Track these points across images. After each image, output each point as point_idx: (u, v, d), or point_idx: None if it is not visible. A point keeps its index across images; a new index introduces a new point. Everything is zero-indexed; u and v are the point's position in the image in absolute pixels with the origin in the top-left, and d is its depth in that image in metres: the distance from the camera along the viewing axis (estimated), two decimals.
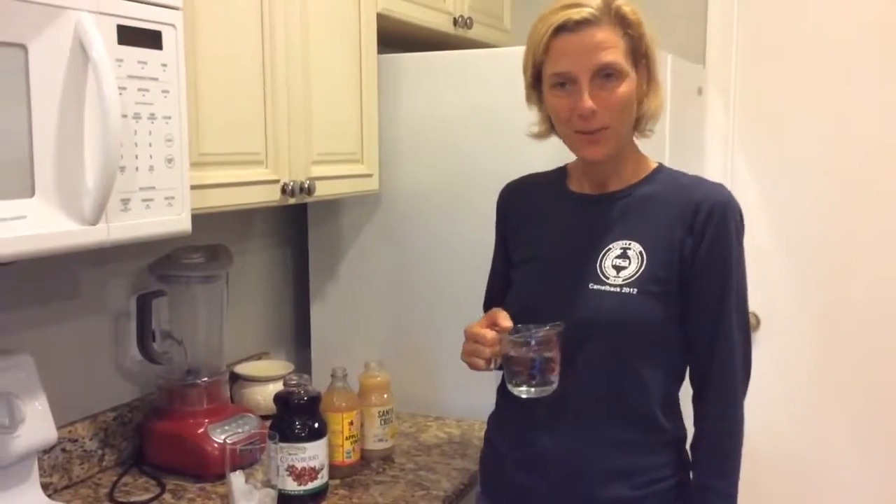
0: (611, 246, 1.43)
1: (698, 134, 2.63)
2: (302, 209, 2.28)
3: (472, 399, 1.78)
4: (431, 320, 2.13)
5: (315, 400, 1.61)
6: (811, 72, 2.61)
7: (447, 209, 2.10)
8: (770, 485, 2.71)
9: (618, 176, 1.48)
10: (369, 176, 2.05)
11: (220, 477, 1.61)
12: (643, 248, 1.42)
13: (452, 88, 2.07)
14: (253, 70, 1.62)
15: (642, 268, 1.40)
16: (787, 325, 2.68)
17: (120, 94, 1.18)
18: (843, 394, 2.66)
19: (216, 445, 1.68)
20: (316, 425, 1.59)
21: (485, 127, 2.04)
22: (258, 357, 2.21)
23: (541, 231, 1.54)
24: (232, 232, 2.11)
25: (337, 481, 1.70)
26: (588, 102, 1.36)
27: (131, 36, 1.23)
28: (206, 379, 1.77)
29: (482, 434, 1.96)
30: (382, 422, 1.82)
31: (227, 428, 1.72)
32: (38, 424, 1.50)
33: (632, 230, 1.44)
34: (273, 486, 1.47)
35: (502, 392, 1.59)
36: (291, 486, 1.57)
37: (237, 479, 1.45)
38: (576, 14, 1.35)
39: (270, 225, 2.29)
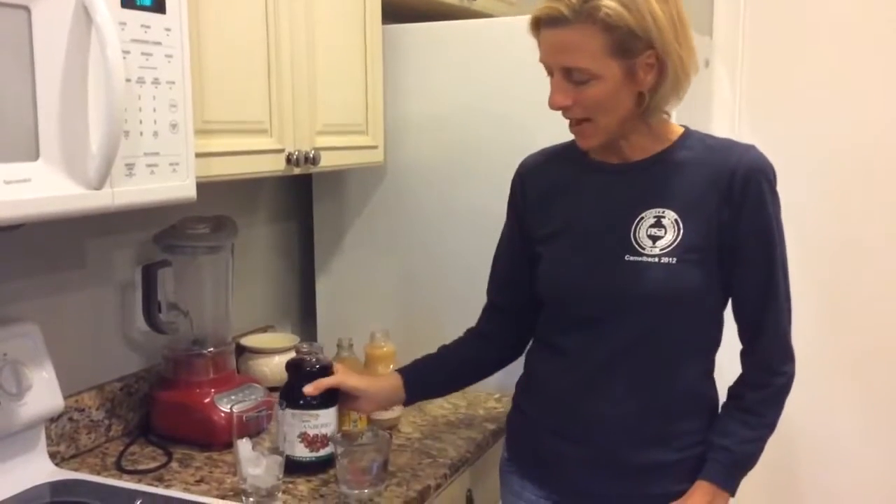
0: (643, 215, 1.41)
1: (705, 106, 2.62)
2: (307, 182, 2.28)
3: None
4: (437, 292, 2.13)
5: (327, 368, 1.60)
6: (820, 45, 2.59)
7: (452, 181, 2.09)
8: (768, 476, 2.72)
9: (638, 147, 1.45)
10: (374, 148, 2.04)
11: (227, 445, 1.62)
12: (678, 216, 1.39)
13: (457, 59, 2.05)
14: (257, 38, 1.61)
15: (679, 236, 1.38)
16: (797, 308, 2.67)
17: (124, 58, 1.17)
18: (848, 380, 2.65)
19: (223, 414, 1.68)
20: (328, 393, 1.59)
21: (490, 98, 2.03)
22: (264, 330, 2.21)
23: (567, 204, 1.51)
24: (237, 205, 2.11)
25: None
26: (554, 99, 1.38)
27: None
28: (212, 349, 1.77)
29: (488, 405, 1.98)
30: None
31: (233, 397, 1.72)
32: (44, 392, 1.50)
33: (664, 197, 1.41)
34: (280, 453, 1.48)
35: (533, 356, 1.60)
36: (302, 452, 1.56)
37: (244, 446, 1.46)
38: (546, 11, 1.34)
39: (275, 198, 2.28)
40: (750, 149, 1.42)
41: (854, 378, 2.66)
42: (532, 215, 1.57)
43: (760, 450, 1.45)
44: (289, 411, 1.55)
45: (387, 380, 1.65)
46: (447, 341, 1.69)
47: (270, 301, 2.28)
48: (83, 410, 1.69)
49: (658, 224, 1.40)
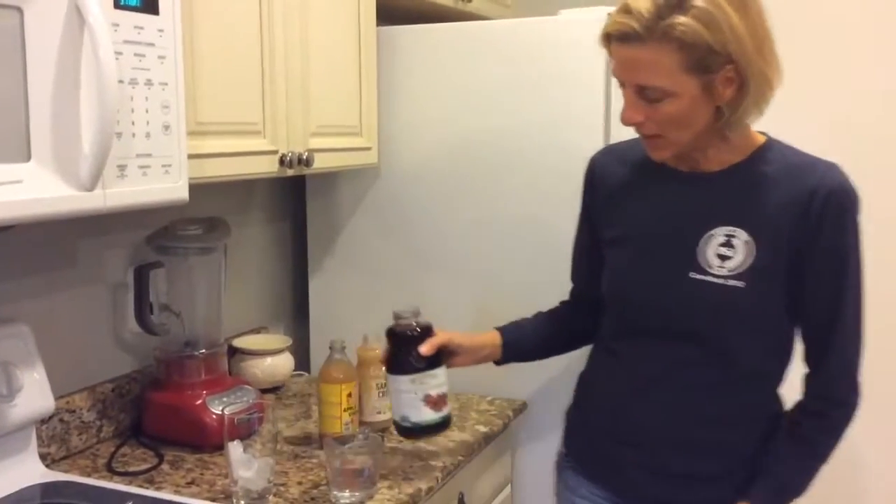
0: (713, 232, 1.35)
1: None
2: (300, 183, 2.27)
3: (470, 373, 1.79)
4: (429, 294, 2.13)
5: (429, 328, 1.58)
6: (810, 49, 2.59)
7: (446, 183, 2.09)
8: None
9: (713, 157, 1.38)
10: (368, 149, 2.04)
11: (219, 447, 1.61)
12: (750, 237, 1.33)
13: (452, 62, 2.05)
14: (251, 39, 1.61)
15: (751, 259, 1.33)
16: None
17: (116, 59, 1.17)
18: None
19: (214, 416, 1.68)
20: (434, 353, 1.56)
21: (484, 101, 2.03)
22: (256, 331, 2.20)
23: (634, 208, 1.47)
24: (230, 205, 2.11)
25: None
26: (626, 115, 1.33)
27: (128, 0, 1.22)
28: (204, 351, 1.77)
29: (480, 407, 1.98)
30: (380, 394, 1.81)
31: (225, 399, 1.72)
32: (35, 394, 1.50)
33: (737, 215, 1.35)
34: (401, 422, 1.54)
35: (594, 354, 1.59)
36: (429, 415, 1.54)
37: (235, 448, 1.45)
38: (616, 27, 1.27)
39: (269, 198, 2.28)
40: (832, 168, 1.35)
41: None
42: (599, 214, 1.55)
43: (809, 480, 1.40)
44: (405, 378, 1.53)
45: (486, 336, 1.66)
46: None
47: (263, 302, 2.28)
48: (74, 412, 1.68)
49: (728, 244, 1.34)
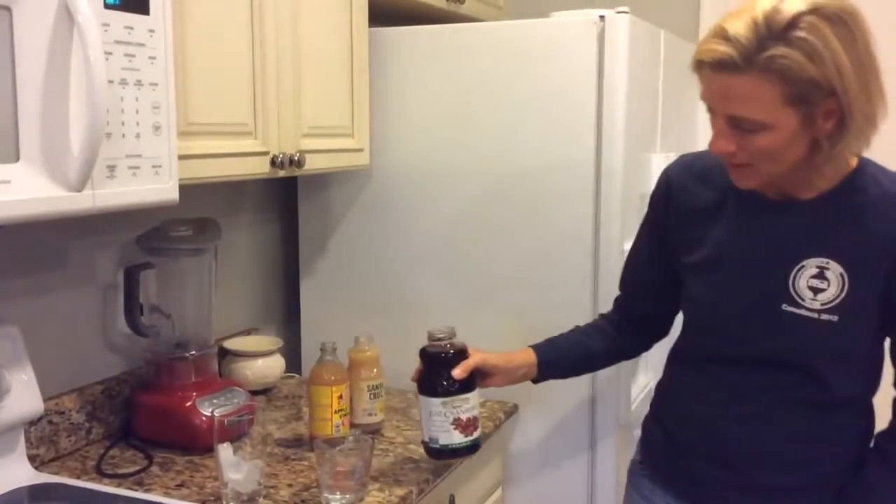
0: (805, 263, 1.30)
1: (691, 114, 2.62)
2: (292, 184, 2.27)
3: None
4: (421, 296, 2.13)
5: (464, 350, 1.56)
6: None
7: (438, 185, 2.09)
8: None
9: (805, 185, 1.32)
10: (360, 151, 2.03)
11: (209, 450, 1.60)
12: (843, 269, 1.29)
13: (444, 63, 2.05)
14: (242, 40, 1.60)
15: (844, 292, 1.28)
16: None
17: (106, 59, 1.16)
18: None
19: (204, 418, 1.67)
20: (467, 376, 1.55)
21: (476, 103, 2.03)
22: (247, 332, 2.20)
23: (720, 233, 1.40)
24: (221, 206, 2.10)
25: None
26: (717, 144, 1.27)
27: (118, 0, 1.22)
28: (194, 352, 1.76)
29: None
30: (372, 396, 1.81)
31: (215, 401, 1.71)
32: (24, 395, 1.49)
33: (830, 246, 1.30)
34: (429, 444, 1.55)
35: (676, 368, 1.54)
36: (458, 438, 1.54)
37: (225, 451, 1.45)
38: (712, 55, 1.19)
39: (260, 200, 2.27)
40: None
41: None
42: (676, 233, 1.48)
43: None
44: (436, 400, 1.52)
45: (521, 356, 1.63)
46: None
47: (254, 304, 2.27)
48: (63, 413, 1.68)
49: (821, 276, 1.30)
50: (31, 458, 1.56)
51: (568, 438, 2.03)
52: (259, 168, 1.68)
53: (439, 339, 1.57)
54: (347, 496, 1.48)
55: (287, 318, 2.37)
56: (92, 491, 1.49)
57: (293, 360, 2.27)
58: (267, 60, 1.66)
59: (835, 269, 1.29)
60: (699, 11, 2.70)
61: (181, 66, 1.43)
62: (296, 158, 1.74)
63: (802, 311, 1.31)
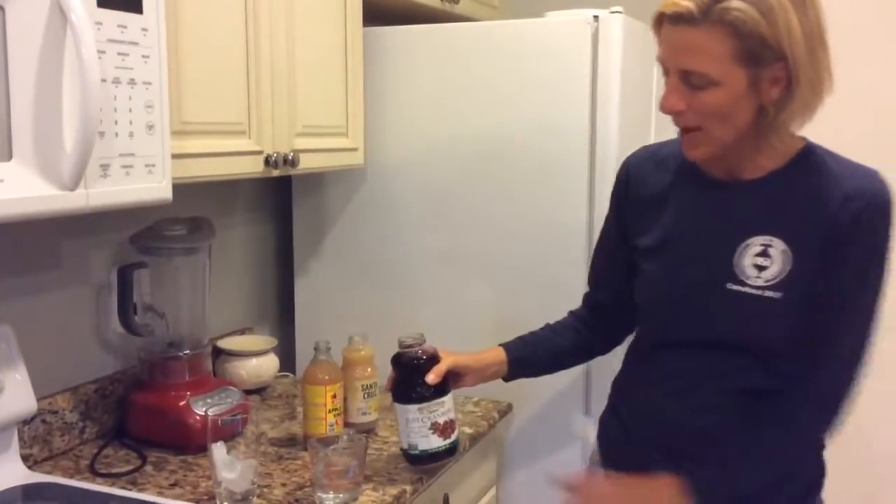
0: (749, 241, 1.32)
1: None
2: (286, 183, 2.27)
3: None
4: (416, 295, 2.13)
5: (435, 355, 1.57)
6: (861, 53, 2.59)
7: (432, 184, 2.09)
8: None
9: (750, 163, 1.34)
10: (354, 150, 2.03)
11: (202, 449, 1.60)
12: (787, 246, 1.30)
13: (439, 63, 2.05)
14: (236, 38, 1.60)
15: (787, 269, 1.30)
16: None
17: (99, 57, 1.16)
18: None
19: (198, 418, 1.67)
20: (440, 380, 1.56)
21: (470, 102, 2.03)
22: (241, 332, 2.20)
23: (670, 216, 1.43)
24: (215, 205, 2.10)
25: None
26: (667, 101, 1.29)
27: None
28: (188, 352, 1.76)
29: (465, 409, 1.98)
30: (366, 395, 1.81)
31: (209, 400, 1.71)
32: (17, 394, 1.49)
33: (774, 224, 1.31)
34: (407, 451, 1.56)
35: (629, 359, 1.57)
36: (437, 442, 1.55)
37: (219, 450, 1.44)
38: (671, 7, 1.24)
39: (254, 199, 2.27)
40: (870, 175, 1.31)
41: None
42: (632, 220, 1.51)
43: (750, 472, 1.35)
44: (413, 407, 1.53)
45: (490, 355, 1.64)
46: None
47: (248, 303, 2.27)
48: (57, 412, 1.67)
49: (765, 254, 1.31)
50: (25, 458, 1.56)
51: (562, 438, 2.03)
52: (253, 167, 1.67)
53: (410, 346, 1.58)
54: (341, 495, 1.48)
55: (281, 317, 2.37)
56: (85, 490, 1.49)
57: (287, 360, 2.27)
58: (261, 59, 1.66)
59: (778, 247, 1.31)
60: None
61: (175, 65, 1.43)
62: (290, 158, 1.74)
63: (746, 289, 1.32)
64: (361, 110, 2.04)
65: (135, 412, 1.76)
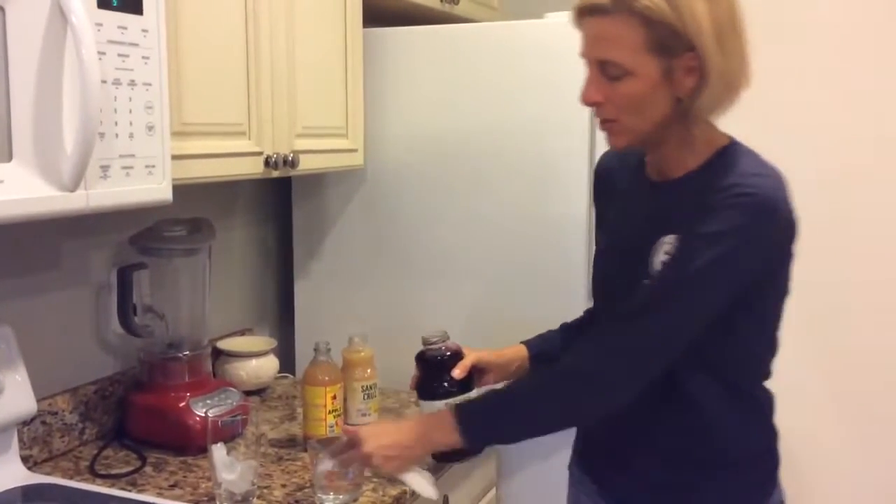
0: (663, 239, 1.34)
1: None
2: (286, 184, 2.27)
3: None
4: (415, 297, 2.13)
5: (459, 352, 1.57)
6: (799, 61, 2.60)
7: (432, 185, 2.09)
8: None
9: (676, 162, 1.36)
10: (354, 151, 2.03)
11: (202, 450, 1.60)
12: None
13: (439, 64, 2.05)
14: (236, 40, 1.60)
15: None
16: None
17: (99, 59, 1.16)
18: (832, 382, 2.65)
19: (198, 419, 1.67)
20: (466, 375, 1.55)
21: (471, 103, 2.03)
22: (241, 333, 2.20)
23: (614, 216, 1.48)
24: (215, 206, 2.10)
25: None
26: (586, 92, 1.32)
27: (111, 0, 1.21)
28: (187, 353, 1.76)
29: None
30: (366, 396, 1.81)
31: (209, 401, 1.71)
32: (17, 395, 1.49)
33: (677, 223, 1.33)
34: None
35: None
36: None
37: (219, 451, 1.44)
38: (585, 1, 1.28)
39: (254, 200, 2.27)
40: (763, 176, 1.30)
41: (836, 382, 2.68)
42: (599, 218, 1.58)
43: (512, 421, 1.39)
44: (439, 403, 1.52)
45: (513, 351, 1.64)
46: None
47: (248, 304, 2.27)
48: (56, 413, 1.67)
49: (669, 252, 1.32)
50: (25, 459, 1.56)
51: (562, 438, 2.02)
52: (253, 168, 1.68)
53: (434, 343, 1.57)
54: (341, 496, 1.48)
55: (281, 318, 2.37)
56: (85, 491, 1.49)
57: (287, 361, 2.27)
58: (261, 60, 1.66)
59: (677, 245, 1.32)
60: None
61: (175, 66, 1.43)
62: (290, 159, 1.74)
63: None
64: (361, 111, 2.04)
65: (134, 413, 1.76)
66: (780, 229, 1.30)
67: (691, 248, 1.28)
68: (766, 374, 1.43)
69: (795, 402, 2.65)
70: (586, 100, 1.34)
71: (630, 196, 1.46)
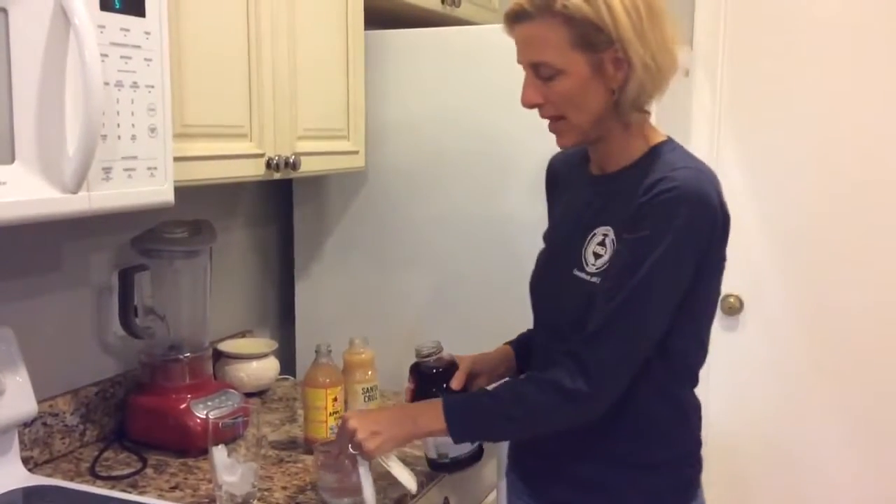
0: (595, 231, 1.39)
1: (685, 117, 2.63)
2: (287, 186, 2.27)
3: None
4: (416, 298, 2.13)
5: (453, 363, 1.57)
6: (802, 57, 2.61)
7: (433, 187, 2.09)
8: (755, 481, 2.72)
9: (614, 158, 1.41)
10: (355, 153, 2.03)
11: (203, 452, 1.60)
12: (615, 236, 1.36)
13: (439, 66, 2.05)
14: (238, 43, 1.60)
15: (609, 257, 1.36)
16: (772, 312, 2.67)
17: (102, 61, 1.16)
18: (831, 384, 2.65)
19: (199, 420, 1.67)
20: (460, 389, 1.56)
21: (471, 105, 2.03)
22: (242, 335, 2.20)
23: (557, 211, 1.54)
24: (216, 208, 2.10)
25: None
26: (525, 95, 1.38)
27: (114, 2, 1.21)
28: (188, 354, 1.76)
29: None
30: (366, 398, 1.81)
31: (209, 403, 1.71)
32: (18, 397, 1.49)
33: (610, 216, 1.38)
34: (435, 460, 1.54)
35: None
36: (466, 447, 1.54)
37: (219, 453, 1.44)
38: (511, 7, 1.33)
39: (255, 202, 2.27)
40: (690, 170, 1.33)
41: (833, 385, 2.68)
42: (549, 219, 1.62)
43: (493, 424, 1.40)
44: None
45: (500, 353, 1.66)
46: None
47: (249, 306, 2.27)
48: (57, 415, 1.67)
49: (602, 243, 1.38)
50: (25, 460, 1.56)
51: None
52: (254, 170, 1.68)
53: (428, 356, 1.57)
54: (345, 500, 1.48)
55: (282, 320, 2.37)
56: (86, 493, 1.49)
57: (288, 363, 2.27)
58: (263, 62, 1.66)
59: (610, 236, 1.37)
60: (693, 13, 2.71)
61: (177, 68, 1.43)
62: (291, 161, 1.74)
63: (583, 275, 1.39)
64: (362, 113, 2.04)
65: (135, 415, 1.76)
66: (706, 218, 1.31)
67: (635, 252, 1.31)
68: (696, 380, 1.46)
69: (795, 403, 2.67)
70: (526, 102, 1.39)
71: (573, 191, 1.51)
